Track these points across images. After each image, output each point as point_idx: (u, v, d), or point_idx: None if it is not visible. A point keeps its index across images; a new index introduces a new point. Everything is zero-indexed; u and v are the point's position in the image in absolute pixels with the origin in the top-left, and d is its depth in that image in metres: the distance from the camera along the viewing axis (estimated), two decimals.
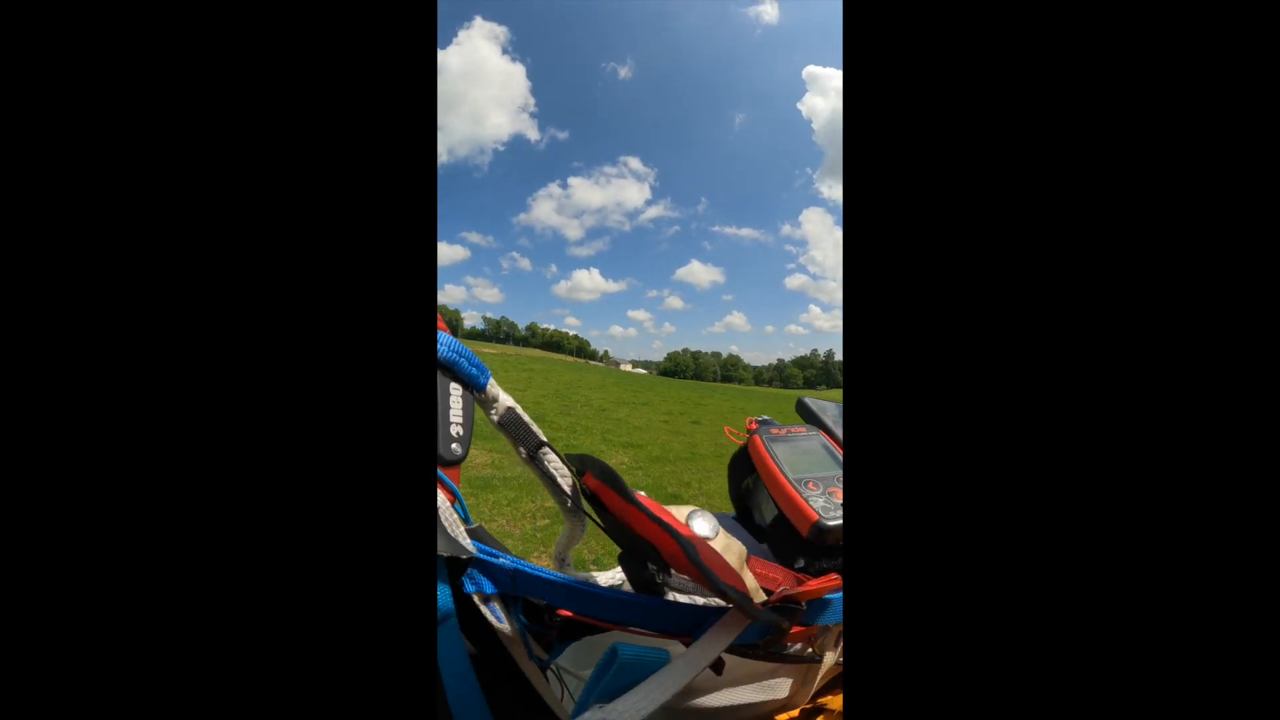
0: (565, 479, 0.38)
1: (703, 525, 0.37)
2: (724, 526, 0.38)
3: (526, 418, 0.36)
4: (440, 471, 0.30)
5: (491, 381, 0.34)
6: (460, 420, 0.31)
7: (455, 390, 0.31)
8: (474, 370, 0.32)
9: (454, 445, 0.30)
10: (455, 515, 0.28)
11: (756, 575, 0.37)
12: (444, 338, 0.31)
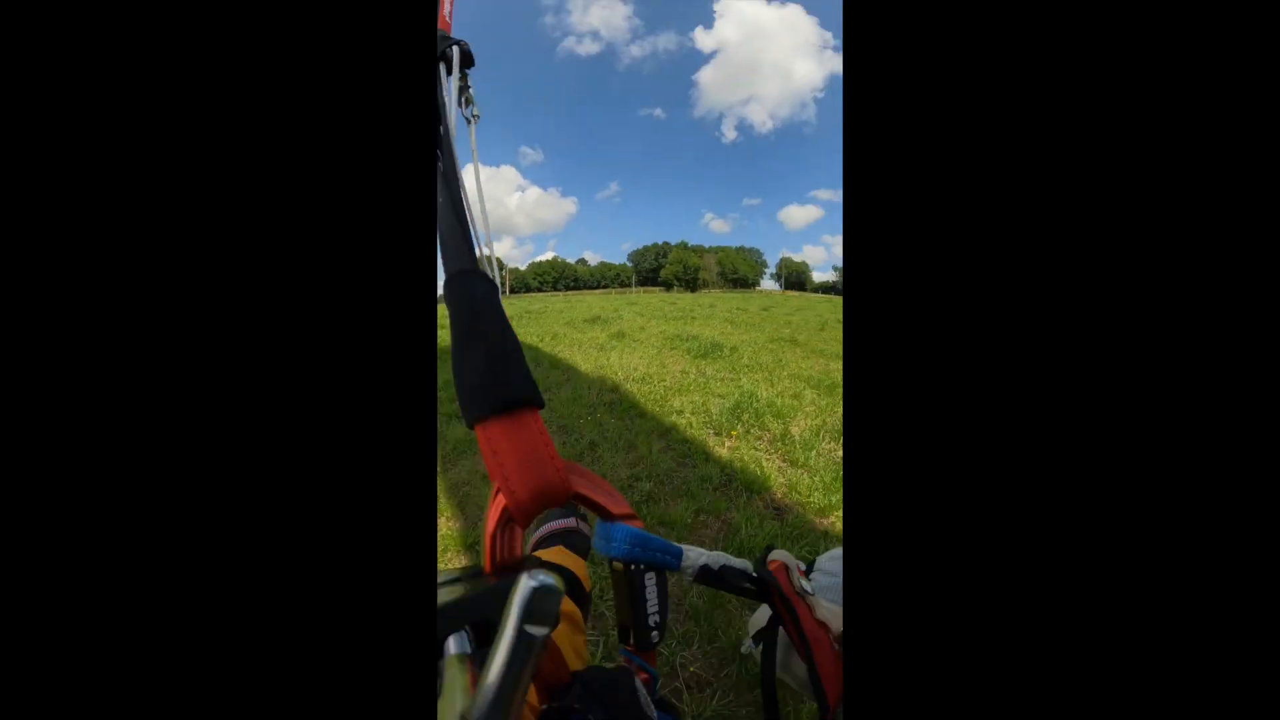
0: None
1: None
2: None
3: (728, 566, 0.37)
4: (638, 657, 0.33)
5: (684, 553, 0.36)
6: (656, 609, 0.34)
7: (650, 580, 0.33)
8: (667, 557, 0.34)
9: (653, 633, 0.33)
10: (646, 695, 0.30)
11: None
12: (629, 531, 0.32)
